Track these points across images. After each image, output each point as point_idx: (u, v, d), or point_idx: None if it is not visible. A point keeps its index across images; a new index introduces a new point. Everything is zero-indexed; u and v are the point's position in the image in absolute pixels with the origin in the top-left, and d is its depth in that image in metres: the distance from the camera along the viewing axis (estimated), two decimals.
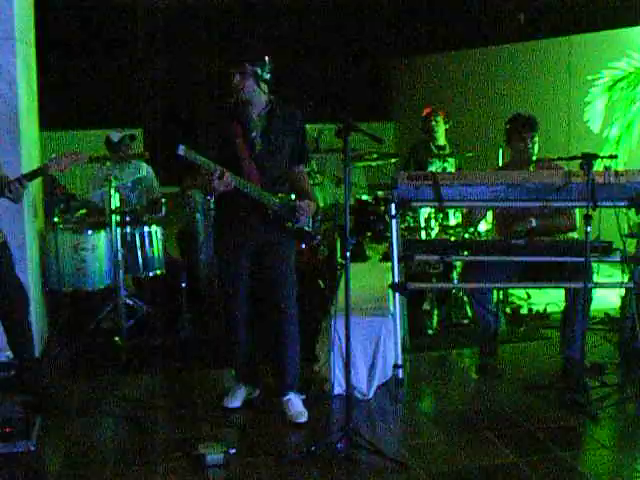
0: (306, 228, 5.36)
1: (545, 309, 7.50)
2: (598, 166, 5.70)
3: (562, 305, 6.40)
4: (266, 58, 5.08)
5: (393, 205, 5.89)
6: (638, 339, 5.84)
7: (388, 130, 15.47)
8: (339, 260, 7.81)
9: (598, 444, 5.04)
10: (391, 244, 5.99)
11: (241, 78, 5.04)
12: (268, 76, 5.10)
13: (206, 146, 5.09)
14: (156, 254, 7.09)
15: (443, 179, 5.88)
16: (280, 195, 5.22)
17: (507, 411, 5.49)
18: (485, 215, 7.00)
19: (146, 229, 7.06)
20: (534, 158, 6.30)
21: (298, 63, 15.18)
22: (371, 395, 5.72)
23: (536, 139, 6.32)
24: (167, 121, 15.43)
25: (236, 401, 5.52)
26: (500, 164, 7.42)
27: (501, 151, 7.64)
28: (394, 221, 5.93)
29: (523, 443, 4.97)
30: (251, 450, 4.90)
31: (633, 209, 5.72)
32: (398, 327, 5.90)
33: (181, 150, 4.80)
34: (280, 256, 5.35)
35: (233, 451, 4.77)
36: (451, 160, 8.38)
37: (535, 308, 7.58)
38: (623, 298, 6.60)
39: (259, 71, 5.04)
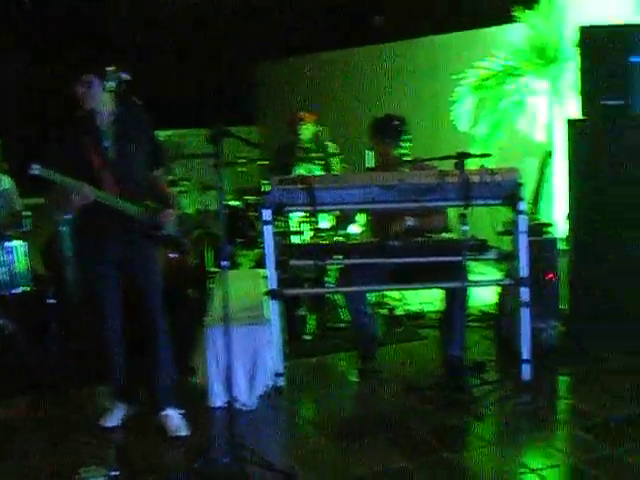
0: (172, 234, 5.24)
1: (421, 309, 7.51)
2: (470, 165, 5.71)
3: (437, 304, 6.40)
4: (109, 68, 4.94)
5: (267, 210, 5.78)
6: (515, 335, 5.87)
7: (252, 134, 15.32)
8: (210, 268, 7.67)
9: (484, 442, 5.07)
10: (265, 250, 5.88)
11: (84, 88, 4.90)
12: (113, 85, 4.96)
13: (59, 161, 4.86)
14: (21, 270, 6.80)
15: (317, 182, 5.81)
16: (141, 203, 5.08)
17: (392, 414, 5.46)
18: (354, 217, 6.97)
19: (8, 244, 6.77)
20: (406, 159, 6.26)
21: (161, 68, 14.98)
22: (253, 405, 5.60)
23: (406, 139, 6.29)
24: (27, 130, 14.98)
25: (114, 420, 5.33)
26: (367, 166, 7.36)
27: (367, 153, 7.58)
28: (268, 227, 5.81)
29: (410, 446, 4.94)
30: (134, 470, 4.72)
31: (507, 207, 5.75)
32: (277, 335, 5.81)
33: (35, 169, 4.60)
34: (146, 265, 5.23)
35: (115, 473, 4.57)
36: (318, 163, 8.33)
37: (411, 309, 7.58)
38: (500, 295, 6.66)
39: (102, 81, 4.91)
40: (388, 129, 6.33)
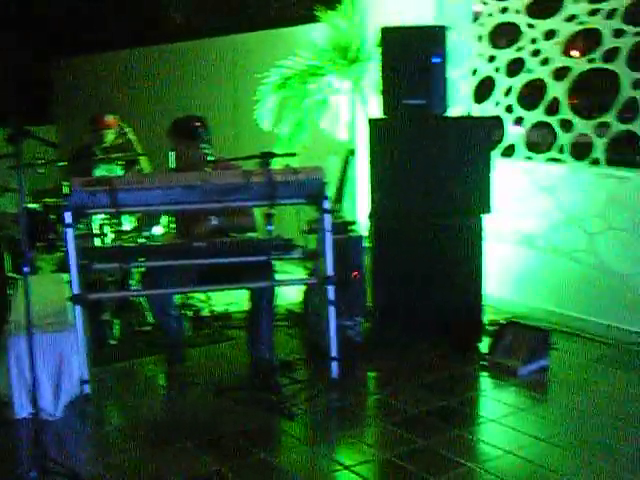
0: None
1: (227, 310, 7.47)
2: (274, 164, 5.73)
3: (243, 305, 6.38)
4: None
5: (68, 213, 5.61)
6: (322, 334, 5.92)
7: (49, 133, 14.91)
8: (9, 274, 7.40)
9: (297, 441, 5.10)
10: (67, 254, 5.70)
11: None
12: None
13: None
14: None
15: (120, 184, 5.67)
16: None
17: (202, 417, 5.41)
18: (158, 219, 6.88)
19: None
20: (209, 158, 6.19)
21: None
22: (59, 415, 5.43)
23: (207, 139, 6.24)
24: None
25: None
26: (170, 167, 7.26)
27: (170, 154, 7.47)
28: (70, 230, 5.63)
29: (223, 448, 4.90)
30: None
31: (312, 205, 5.78)
32: (81, 341, 5.65)
33: None
34: None
35: None
36: (120, 164, 8.15)
37: (217, 309, 7.53)
38: (305, 293, 6.70)
39: None
40: (188, 130, 6.27)
